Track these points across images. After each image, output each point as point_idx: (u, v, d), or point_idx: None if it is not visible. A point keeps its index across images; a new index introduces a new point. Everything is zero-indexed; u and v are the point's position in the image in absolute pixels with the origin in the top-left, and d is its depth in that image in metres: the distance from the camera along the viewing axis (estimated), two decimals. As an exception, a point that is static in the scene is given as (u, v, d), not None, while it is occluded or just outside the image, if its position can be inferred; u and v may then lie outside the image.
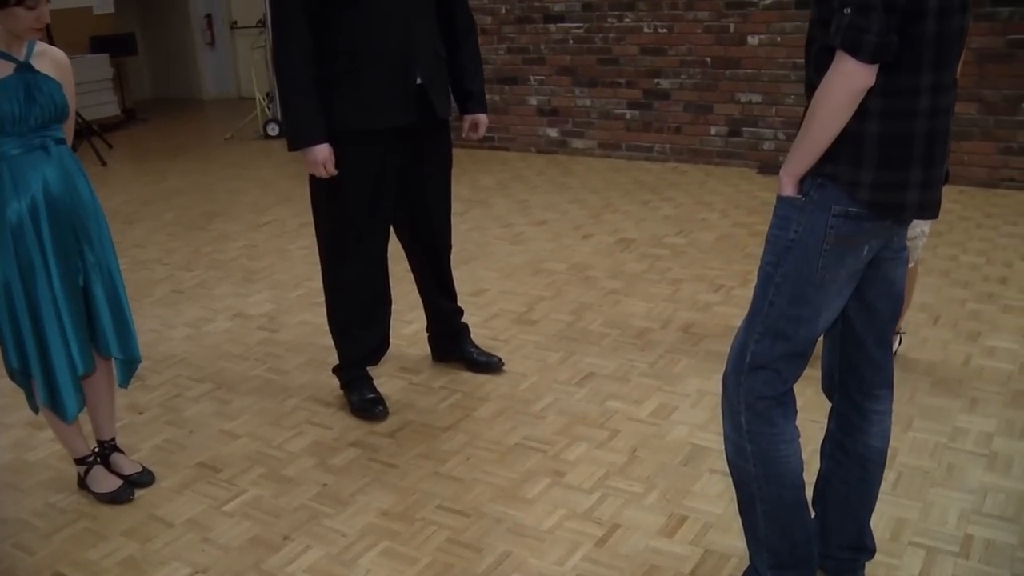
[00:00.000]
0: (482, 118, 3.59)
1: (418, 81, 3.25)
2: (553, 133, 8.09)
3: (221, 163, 8.50)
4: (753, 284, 2.10)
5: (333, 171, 3.21)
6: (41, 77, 2.73)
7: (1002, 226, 5.50)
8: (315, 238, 3.52)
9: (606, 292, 4.70)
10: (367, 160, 3.26)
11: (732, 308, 4.40)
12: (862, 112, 1.90)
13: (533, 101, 8.09)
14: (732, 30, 7.05)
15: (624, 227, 5.83)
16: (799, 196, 2.02)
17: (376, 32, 3.15)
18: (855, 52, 1.81)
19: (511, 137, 8.25)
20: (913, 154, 1.95)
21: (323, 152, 3.17)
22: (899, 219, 2.05)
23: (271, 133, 9.39)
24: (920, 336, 3.96)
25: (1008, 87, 6.18)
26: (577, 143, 7.99)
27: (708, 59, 7.20)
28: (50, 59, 2.80)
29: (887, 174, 1.95)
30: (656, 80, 7.47)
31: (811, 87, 1.99)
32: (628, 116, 7.69)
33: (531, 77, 8.04)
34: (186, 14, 12.48)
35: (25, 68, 2.70)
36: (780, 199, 2.07)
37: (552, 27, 7.81)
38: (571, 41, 7.76)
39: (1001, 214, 5.75)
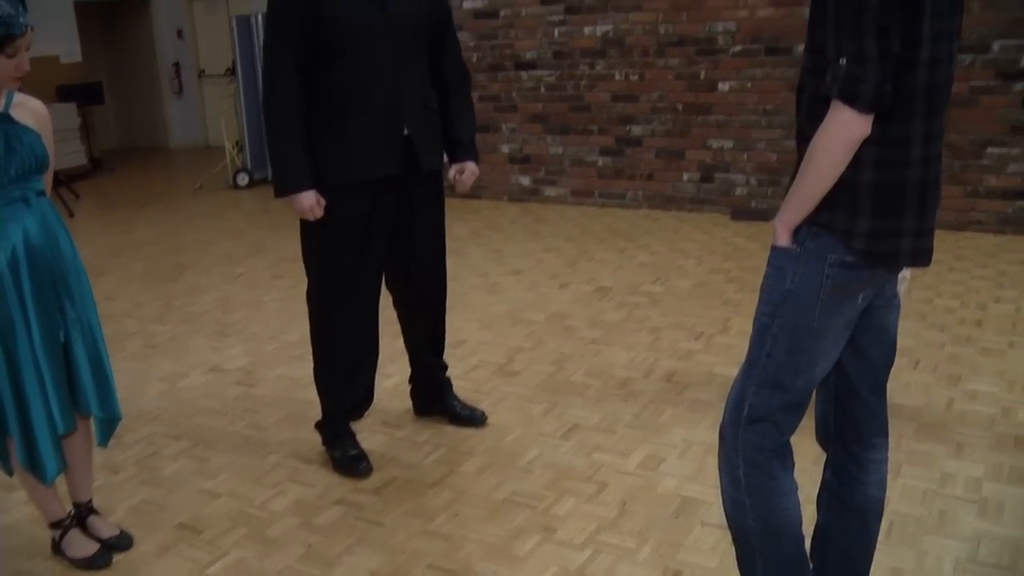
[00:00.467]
0: (470, 165, 3.50)
1: (405, 132, 3.24)
2: (525, 181, 8.11)
3: (190, 213, 8.42)
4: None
5: (320, 214, 3.18)
6: (21, 128, 2.68)
7: (973, 268, 5.56)
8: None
9: (586, 342, 4.68)
10: (355, 210, 3.23)
11: (713, 356, 4.38)
12: (856, 161, 1.90)
13: (505, 149, 8.11)
14: (703, 76, 7.13)
15: (600, 275, 5.83)
16: (794, 246, 2.01)
17: (363, 82, 3.14)
18: (852, 102, 1.81)
19: (483, 185, 8.25)
20: (907, 203, 1.96)
21: (309, 199, 3.15)
22: (893, 267, 2.05)
23: (241, 183, 9.35)
24: (902, 380, 3.97)
25: (973, 132, 6.29)
26: (550, 191, 8.02)
27: (679, 105, 7.27)
28: (29, 109, 2.75)
29: (882, 223, 1.95)
30: (628, 127, 7.52)
31: (803, 135, 2.00)
32: (600, 163, 7.74)
33: (503, 125, 8.07)
34: (154, 62, 12.46)
35: (4, 119, 2.65)
36: (774, 249, 2.05)
37: (524, 74, 7.86)
38: (543, 88, 7.81)
39: (971, 256, 5.82)
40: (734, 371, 2.30)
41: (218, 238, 7.38)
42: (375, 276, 3.42)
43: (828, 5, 1.83)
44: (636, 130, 7.50)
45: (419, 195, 3.40)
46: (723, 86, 7.07)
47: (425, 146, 3.31)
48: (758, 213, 7.05)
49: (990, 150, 6.27)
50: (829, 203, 1.95)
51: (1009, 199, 6.28)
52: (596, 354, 4.50)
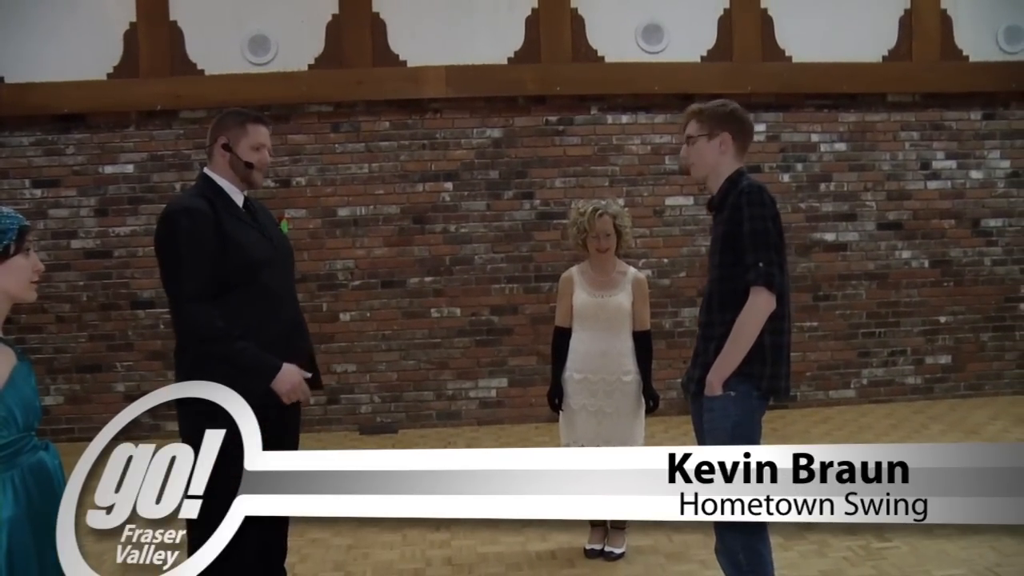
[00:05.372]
0: None
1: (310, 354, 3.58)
2: (145, 419, 8.00)
3: None
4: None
5: (309, 394, 3.32)
6: None
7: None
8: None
9: None
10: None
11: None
12: (762, 332, 2.93)
13: (120, 387, 7.99)
14: (325, 308, 7.90)
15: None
16: (728, 392, 2.93)
17: (268, 312, 3.40)
18: (771, 287, 2.87)
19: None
20: (783, 355, 3.02)
21: (292, 373, 3.24)
22: (777, 399, 3.08)
23: None
24: None
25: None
26: (172, 426, 7.99)
27: (303, 336, 7.90)
28: None
29: (774, 369, 3.00)
30: (251, 358, 7.92)
31: (712, 323, 3.02)
32: (221, 394, 7.95)
33: (118, 364, 8.00)
34: None
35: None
36: (714, 398, 2.95)
37: (141, 313, 7.96)
38: (162, 326, 7.94)
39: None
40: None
41: None
42: None
43: (745, 235, 2.87)
44: (259, 360, 7.92)
45: (290, 420, 3.57)
46: (344, 316, 7.89)
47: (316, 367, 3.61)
48: (385, 426, 7.81)
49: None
50: (748, 359, 2.92)
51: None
52: None
